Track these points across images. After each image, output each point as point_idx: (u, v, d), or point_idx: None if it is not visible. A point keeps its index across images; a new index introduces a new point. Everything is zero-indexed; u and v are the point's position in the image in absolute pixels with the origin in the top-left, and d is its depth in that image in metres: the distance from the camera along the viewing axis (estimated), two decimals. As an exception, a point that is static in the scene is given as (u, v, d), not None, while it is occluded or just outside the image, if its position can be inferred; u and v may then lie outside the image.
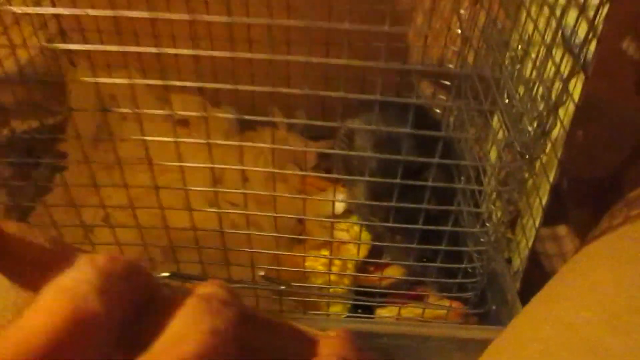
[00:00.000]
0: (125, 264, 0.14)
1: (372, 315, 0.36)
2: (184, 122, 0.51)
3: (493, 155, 0.41)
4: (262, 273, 0.31)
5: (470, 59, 0.41)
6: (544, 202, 0.31)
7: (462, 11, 0.40)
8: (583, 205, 0.41)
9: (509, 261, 0.36)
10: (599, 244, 0.31)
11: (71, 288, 0.12)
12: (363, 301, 0.34)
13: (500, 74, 0.34)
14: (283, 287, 0.31)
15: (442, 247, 0.31)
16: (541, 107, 0.28)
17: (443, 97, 0.47)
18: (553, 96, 0.27)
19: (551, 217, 0.47)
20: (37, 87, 0.43)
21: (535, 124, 0.29)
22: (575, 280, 0.30)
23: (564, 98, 0.26)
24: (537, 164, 0.30)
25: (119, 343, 0.13)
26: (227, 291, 0.15)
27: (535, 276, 0.36)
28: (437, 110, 0.47)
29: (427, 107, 0.47)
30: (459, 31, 0.39)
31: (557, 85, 0.26)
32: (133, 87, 0.29)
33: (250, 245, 0.32)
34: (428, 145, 0.38)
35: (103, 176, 0.43)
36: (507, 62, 0.33)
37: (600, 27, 0.23)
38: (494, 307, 0.37)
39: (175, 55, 0.24)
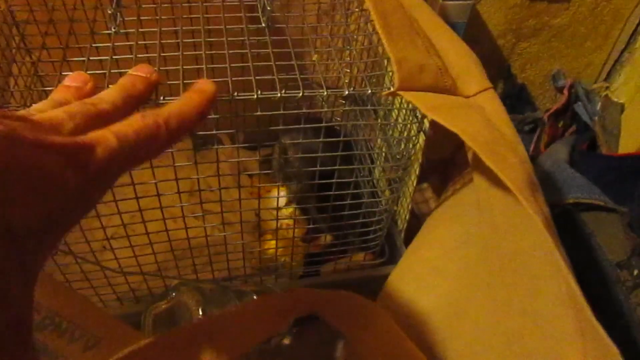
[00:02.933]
0: None
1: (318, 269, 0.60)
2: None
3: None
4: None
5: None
6: (411, 190, 0.55)
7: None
8: (435, 173, 0.67)
9: (395, 222, 0.61)
10: (440, 210, 0.57)
11: None
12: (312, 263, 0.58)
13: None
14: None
15: (358, 221, 0.55)
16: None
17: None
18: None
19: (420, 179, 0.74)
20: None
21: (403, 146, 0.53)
22: (428, 231, 0.55)
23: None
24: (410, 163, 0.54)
25: None
26: None
27: (415, 226, 0.63)
28: (338, 118, 0.70)
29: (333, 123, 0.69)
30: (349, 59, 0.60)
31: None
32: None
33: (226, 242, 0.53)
34: (336, 151, 0.61)
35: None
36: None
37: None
38: (387, 250, 0.63)
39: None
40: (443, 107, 0.37)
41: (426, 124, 0.49)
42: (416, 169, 0.53)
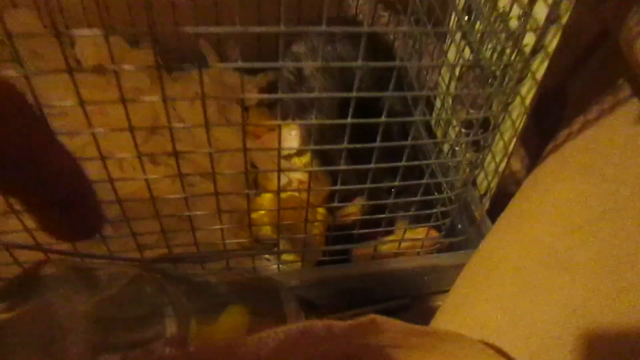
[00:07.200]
0: None
1: (346, 257, 0.39)
2: (96, 67, 0.48)
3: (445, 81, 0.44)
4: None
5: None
6: (517, 120, 0.34)
7: None
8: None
9: (474, 183, 0.41)
10: (557, 158, 0.36)
11: None
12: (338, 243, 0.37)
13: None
14: (275, 249, 0.33)
15: (423, 181, 0.34)
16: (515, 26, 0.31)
17: (384, 13, 0.48)
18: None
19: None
20: None
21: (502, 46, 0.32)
22: (538, 197, 0.35)
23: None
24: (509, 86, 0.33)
25: None
26: None
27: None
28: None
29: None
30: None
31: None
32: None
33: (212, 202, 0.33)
34: (381, 70, 0.40)
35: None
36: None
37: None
38: (459, 226, 0.42)
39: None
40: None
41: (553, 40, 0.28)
42: (528, 100, 0.32)
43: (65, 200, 0.18)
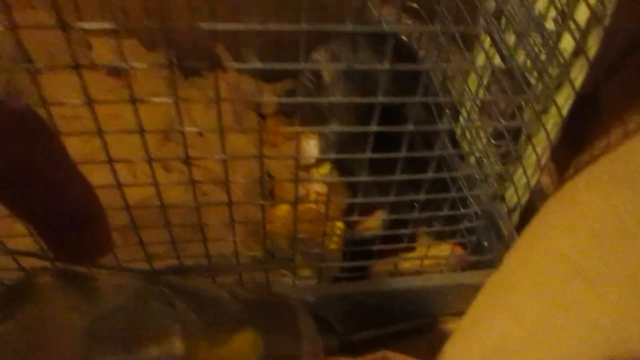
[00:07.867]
0: None
1: (364, 274, 0.37)
2: (113, 71, 0.47)
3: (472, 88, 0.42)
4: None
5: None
6: (552, 131, 0.32)
7: None
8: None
9: (502, 198, 0.39)
10: (587, 169, 0.33)
11: None
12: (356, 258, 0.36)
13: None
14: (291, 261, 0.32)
15: (449, 195, 0.32)
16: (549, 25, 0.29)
17: (409, 22, 0.47)
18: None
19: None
20: None
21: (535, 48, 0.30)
22: (565, 207, 0.33)
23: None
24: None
25: None
26: None
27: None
28: (404, 38, 0.48)
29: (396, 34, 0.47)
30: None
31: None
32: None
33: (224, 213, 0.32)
34: (405, 77, 0.39)
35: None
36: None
37: None
38: (486, 244, 0.40)
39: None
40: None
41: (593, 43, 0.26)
42: (565, 109, 0.31)
43: (76, 224, 0.18)
